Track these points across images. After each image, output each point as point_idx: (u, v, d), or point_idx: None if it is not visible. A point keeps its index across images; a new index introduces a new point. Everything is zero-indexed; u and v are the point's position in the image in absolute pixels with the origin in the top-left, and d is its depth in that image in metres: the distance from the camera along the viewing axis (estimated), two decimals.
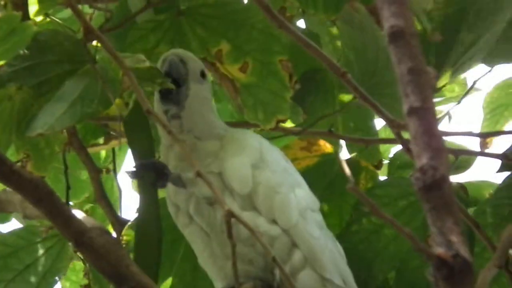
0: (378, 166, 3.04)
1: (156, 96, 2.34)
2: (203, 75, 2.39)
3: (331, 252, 2.26)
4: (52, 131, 2.19)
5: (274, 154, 2.36)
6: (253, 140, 2.35)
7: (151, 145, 2.51)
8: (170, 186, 2.29)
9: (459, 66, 2.96)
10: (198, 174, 1.97)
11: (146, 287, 2.14)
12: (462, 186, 2.91)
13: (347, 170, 2.20)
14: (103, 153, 3.45)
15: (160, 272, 2.81)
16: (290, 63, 2.74)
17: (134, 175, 2.29)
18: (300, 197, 2.29)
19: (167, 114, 2.31)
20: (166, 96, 2.32)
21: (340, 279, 2.22)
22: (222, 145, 2.32)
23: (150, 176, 2.26)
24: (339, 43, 3.10)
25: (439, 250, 1.65)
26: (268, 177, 2.27)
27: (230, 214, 1.91)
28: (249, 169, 2.27)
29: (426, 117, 1.74)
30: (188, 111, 2.32)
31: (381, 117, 2.35)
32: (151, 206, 2.46)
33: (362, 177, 2.97)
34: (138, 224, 2.51)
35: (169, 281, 2.87)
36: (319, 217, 2.32)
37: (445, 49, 2.92)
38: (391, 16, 1.81)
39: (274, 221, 2.23)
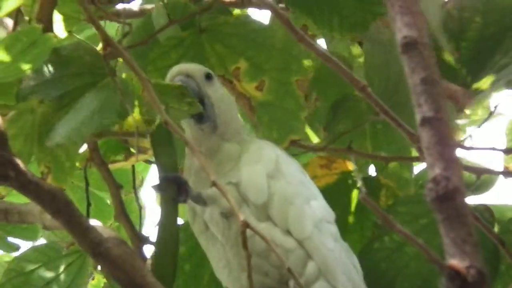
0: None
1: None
2: (209, 77, 2.42)
3: (345, 265, 2.24)
4: (68, 142, 2.22)
5: (290, 166, 2.37)
6: (270, 151, 2.36)
7: (175, 160, 2.52)
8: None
9: (489, 87, 2.96)
10: (214, 184, 1.99)
11: None
12: (487, 208, 2.88)
13: (360, 184, 2.20)
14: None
15: None
16: (306, 82, 2.75)
17: (157, 188, 2.31)
18: (315, 209, 2.29)
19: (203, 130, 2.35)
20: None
21: None
22: (240, 153, 2.34)
23: (172, 190, 2.28)
24: (359, 60, 3.10)
25: (452, 261, 1.64)
26: (284, 187, 2.28)
27: (246, 225, 1.91)
28: (264, 179, 2.28)
29: (439, 127, 1.74)
30: (220, 118, 2.36)
31: (402, 132, 2.35)
32: (170, 221, 2.46)
33: (382, 194, 2.96)
34: (157, 239, 2.51)
35: None
36: (334, 229, 2.31)
37: (477, 70, 2.92)
38: (404, 26, 1.81)
39: (288, 232, 2.24)
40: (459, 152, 2.77)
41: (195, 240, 2.46)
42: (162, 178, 2.31)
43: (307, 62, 2.86)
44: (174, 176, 2.30)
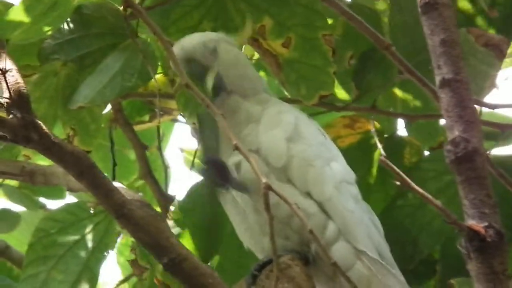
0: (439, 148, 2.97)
1: None
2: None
3: (366, 225, 2.24)
4: (92, 105, 2.22)
5: (310, 128, 2.35)
6: (289, 115, 2.35)
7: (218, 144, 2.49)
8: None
9: None
10: (236, 148, 1.99)
11: (186, 259, 2.16)
12: None
13: (378, 144, 2.19)
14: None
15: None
16: (333, 37, 2.72)
17: (200, 170, 2.29)
18: (336, 170, 2.28)
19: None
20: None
21: (375, 251, 2.20)
22: (261, 116, 2.32)
23: (215, 176, 2.26)
24: (385, 18, 3.06)
25: (471, 222, 1.64)
26: (303, 150, 2.27)
27: (268, 187, 1.92)
28: (283, 143, 2.27)
29: (459, 89, 1.73)
30: (229, 79, 2.31)
31: (426, 90, 2.34)
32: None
33: (407, 152, 2.95)
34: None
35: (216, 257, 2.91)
36: (355, 190, 2.30)
37: (509, 22, 2.88)
38: None
39: (309, 195, 2.24)
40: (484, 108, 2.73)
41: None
42: (207, 161, 2.25)
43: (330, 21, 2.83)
44: (220, 161, 2.26)
